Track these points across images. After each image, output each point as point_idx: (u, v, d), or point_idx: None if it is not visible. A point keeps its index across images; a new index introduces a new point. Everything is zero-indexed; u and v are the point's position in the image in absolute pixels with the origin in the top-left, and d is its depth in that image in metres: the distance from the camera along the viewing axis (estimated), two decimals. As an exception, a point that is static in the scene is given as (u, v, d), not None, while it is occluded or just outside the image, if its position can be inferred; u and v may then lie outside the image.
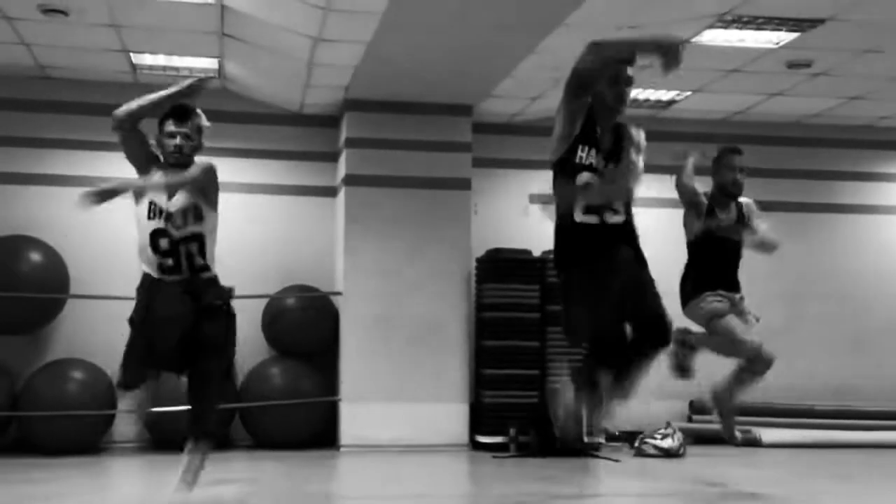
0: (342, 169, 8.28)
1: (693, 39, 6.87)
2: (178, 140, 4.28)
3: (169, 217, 4.15)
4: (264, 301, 8.12)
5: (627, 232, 3.96)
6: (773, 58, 7.35)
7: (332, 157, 8.58)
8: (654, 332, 3.73)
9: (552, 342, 8.00)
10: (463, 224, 8.28)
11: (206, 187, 4.22)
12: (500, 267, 8.08)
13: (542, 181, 8.94)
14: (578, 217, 3.89)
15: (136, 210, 4.25)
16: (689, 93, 8.32)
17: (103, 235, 8.19)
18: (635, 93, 8.35)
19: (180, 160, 4.28)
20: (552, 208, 4.06)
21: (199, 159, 4.33)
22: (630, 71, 3.84)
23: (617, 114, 3.88)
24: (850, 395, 8.89)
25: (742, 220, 5.50)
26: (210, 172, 4.24)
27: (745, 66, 7.56)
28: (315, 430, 7.84)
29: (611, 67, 3.73)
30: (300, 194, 8.57)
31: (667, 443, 7.61)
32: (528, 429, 7.67)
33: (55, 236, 7.92)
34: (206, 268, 4.25)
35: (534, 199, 8.86)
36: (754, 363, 5.20)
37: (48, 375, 7.49)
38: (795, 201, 9.04)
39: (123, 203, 8.84)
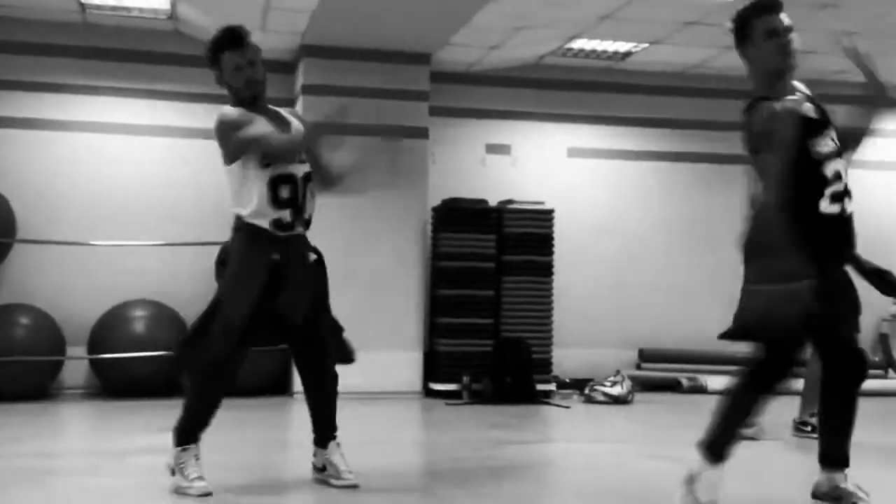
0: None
1: (651, -9, 6.86)
2: (247, 71, 3.98)
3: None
4: (217, 248, 8.04)
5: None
6: (730, 11, 7.35)
7: (289, 104, 8.44)
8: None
9: (507, 292, 8.06)
10: (420, 173, 8.26)
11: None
12: (457, 216, 8.09)
13: (500, 131, 9.01)
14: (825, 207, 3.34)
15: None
16: (646, 45, 8.32)
17: (49, 179, 8.05)
18: (592, 44, 8.35)
19: (259, 91, 3.99)
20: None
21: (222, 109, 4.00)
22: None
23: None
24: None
25: None
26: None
27: (702, 18, 7.57)
28: (268, 378, 7.85)
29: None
30: (255, 140, 8.45)
31: (616, 390, 7.76)
32: (481, 376, 7.76)
33: (1, 179, 7.76)
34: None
35: None
36: None
37: (-5, 321, 7.39)
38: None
39: (68, 145, 8.72)
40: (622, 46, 8.39)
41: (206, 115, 8.22)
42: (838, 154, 3.44)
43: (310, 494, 3.93)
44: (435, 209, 8.32)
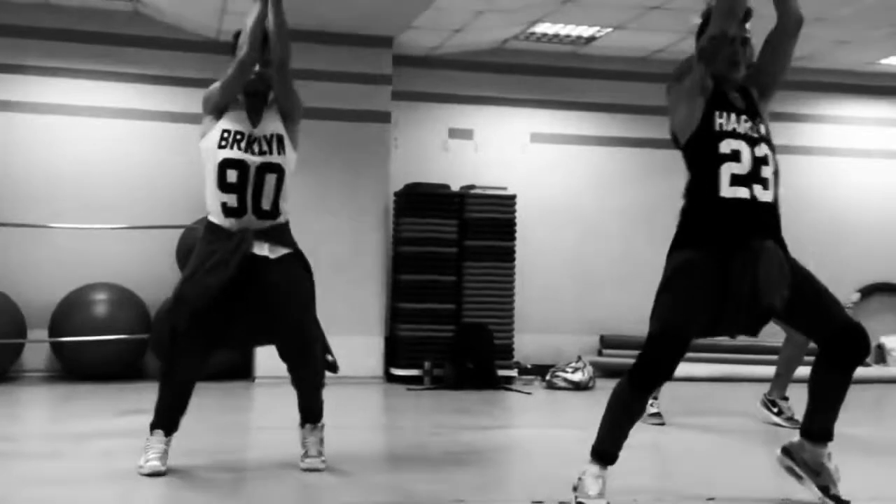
0: (259, 98, 8.10)
1: (614, -23, 6.87)
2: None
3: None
4: (179, 231, 7.99)
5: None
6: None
7: (249, 86, 8.39)
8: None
9: (469, 277, 8.08)
10: (382, 157, 8.24)
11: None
12: (419, 201, 8.08)
13: (462, 115, 9.01)
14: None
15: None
16: (609, 29, 8.35)
17: (9, 161, 7.93)
18: (555, 28, 8.36)
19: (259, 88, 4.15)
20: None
21: None
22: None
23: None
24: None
25: None
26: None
27: (665, 3, 7.60)
28: (230, 362, 7.80)
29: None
30: (216, 123, 8.37)
31: (577, 376, 7.81)
32: (442, 362, 7.78)
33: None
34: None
35: None
36: None
37: (-48, 303, 7.28)
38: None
39: (27, 126, 8.57)
40: (585, 31, 8.41)
41: (167, 98, 8.23)
42: (750, 139, 3.41)
43: (270, 477, 3.92)
44: (397, 194, 8.30)
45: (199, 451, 4.41)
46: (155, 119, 8.17)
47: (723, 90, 3.51)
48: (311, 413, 4.10)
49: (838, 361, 3.35)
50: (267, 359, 7.82)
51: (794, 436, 3.56)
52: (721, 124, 3.43)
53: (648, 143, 9.33)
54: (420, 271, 8.00)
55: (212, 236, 3.95)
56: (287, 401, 4.09)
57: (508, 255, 8.19)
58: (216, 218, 3.96)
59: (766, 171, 3.41)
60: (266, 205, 3.96)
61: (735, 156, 3.39)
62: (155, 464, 3.82)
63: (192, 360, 3.94)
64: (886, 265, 9.55)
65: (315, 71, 7.90)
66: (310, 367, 4.06)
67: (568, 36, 8.54)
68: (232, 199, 3.90)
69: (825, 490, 3.42)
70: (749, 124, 3.46)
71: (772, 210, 3.43)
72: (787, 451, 3.54)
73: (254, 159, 3.94)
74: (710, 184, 3.40)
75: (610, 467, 3.42)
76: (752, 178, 3.39)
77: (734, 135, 3.42)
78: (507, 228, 8.20)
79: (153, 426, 3.96)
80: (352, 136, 8.12)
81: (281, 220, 4.05)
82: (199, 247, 3.98)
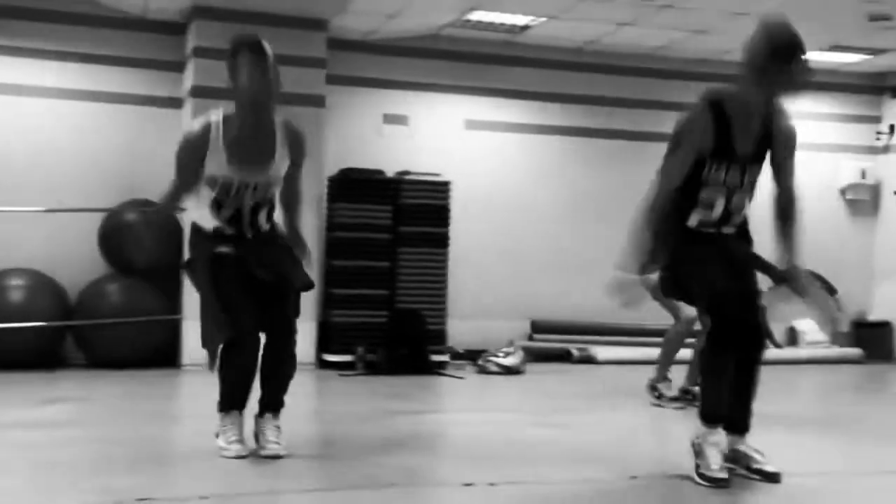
0: (189, 80, 7.95)
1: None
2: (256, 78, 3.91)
3: None
4: (101, 215, 7.80)
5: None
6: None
7: (178, 67, 8.22)
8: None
9: (403, 263, 8.05)
10: (315, 142, 8.12)
11: None
12: (353, 187, 8.03)
13: (398, 101, 8.96)
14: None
15: None
16: (544, 18, 8.38)
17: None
18: (490, 16, 8.36)
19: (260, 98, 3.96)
20: None
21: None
22: None
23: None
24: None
25: None
26: None
27: (598, -6, 7.66)
28: (155, 349, 7.66)
29: None
30: (143, 104, 8.18)
31: (509, 360, 7.87)
32: (375, 347, 7.75)
33: None
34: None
35: None
36: None
37: None
38: (643, 130, 9.30)
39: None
40: (520, 20, 8.43)
41: (88, 76, 8.00)
42: (732, 189, 3.60)
43: (200, 465, 3.85)
44: (331, 179, 8.23)
45: (129, 441, 4.32)
46: (78, 98, 7.96)
47: (730, 137, 3.56)
48: (278, 403, 4.06)
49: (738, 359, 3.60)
50: (194, 345, 7.70)
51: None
52: (707, 174, 3.58)
53: (582, 133, 9.42)
54: (354, 257, 7.95)
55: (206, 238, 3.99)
56: (215, 390, 4.02)
57: (442, 242, 8.19)
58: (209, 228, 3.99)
59: (736, 218, 3.67)
60: (262, 226, 4.03)
61: (709, 205, 3.60)
62: (239, 447, 3.89)
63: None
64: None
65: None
66: (292, 358, 4.04)
67: (503, 24, 8.55)
68: (227, 228, 3.96)
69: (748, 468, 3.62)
70: (738, 173, 3.60)
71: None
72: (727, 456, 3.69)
73: (245, 203, 3.96)
74: (682, 215, 3.62)
75: (721, 434, 3.58)
76: (720, 222, 3.65)
77: (718, 184, 3.59)
78: (441, 215, 8.19)
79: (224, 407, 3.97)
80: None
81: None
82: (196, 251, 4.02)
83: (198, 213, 4.04)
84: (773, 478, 3.55)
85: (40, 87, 7.93)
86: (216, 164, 3.87)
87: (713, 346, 3.62)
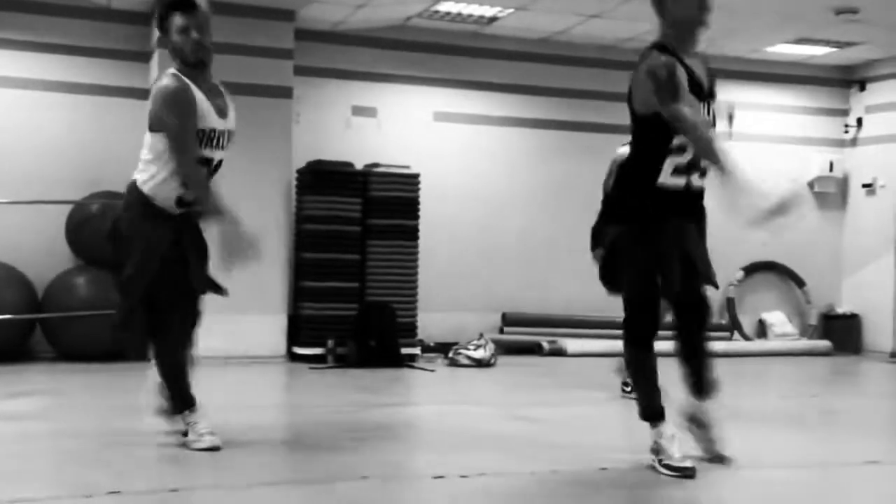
0: (155, 71, 7.85)
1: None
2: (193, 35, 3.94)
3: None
4: (69, 207, 7.71)
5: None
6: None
7: (144, 58, 8.13)
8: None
9: (372, 255, 8.03)
10: (283, 134, 8.09)
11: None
12: (322, 179, 7.98)
13: (366, 93, 8.93)
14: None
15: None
16: (511, 10, 8.38)
17: None
18: (458, 7, 8.35)
19: (203, 56, 3.99)
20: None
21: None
22: None
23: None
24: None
25: None
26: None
27: (567, -14, 7.68)
28: (110, 343, 7.56)
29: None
30: (109, 95, 8.07)
31: (479, 353, 7.88)
32: (346, 340, 7.73)
33: None
34: None
35: None
36: None
37: None
38: (612, 123, 9.33)
39: None
40: (488, 11, 8.42)
41: (57, 67, 7.89)
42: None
43: (170, 458, 3.83)
44: (300, 171, 8.18)
45: (90, 435, 4.28)
46: (41, 88, 7.84)
47: (693, 73, 3.62)
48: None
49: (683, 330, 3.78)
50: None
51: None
52: None
53: (552, 125, 9.43)
54: (323, 249, 7.91)
55: (154, 217, 3.92)
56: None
57: (412, 234, 8.17)
58: (163, 203, 3.90)
59: (702, 163, 3.67)
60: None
61: (681, 149, 3.60)
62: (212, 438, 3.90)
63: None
64: (769, 245, 9.86)
65: (214, 43, 7.67)
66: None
67: (471, 15, 8.54)
68: (189, 194, 3.93)
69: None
70: (705, 111, 3.68)
71: (701, 194, 3.74)
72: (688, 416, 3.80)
73: (216, 154, 4.00)
74: (652, 170, 3.61)
75: (671, 424, 3.65)
76: (691, 167, 3.64)
77: None
78: (410, 207, 8.18)
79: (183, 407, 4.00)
80: (252, 112, 7.90)
81: None
82: (141, 227, 3.90)
83: (151, 182, 3.91)
84: (723, 461, 3.65)
85: (3, 77, 7.81)
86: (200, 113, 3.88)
87: (630, 347, 3.74)
